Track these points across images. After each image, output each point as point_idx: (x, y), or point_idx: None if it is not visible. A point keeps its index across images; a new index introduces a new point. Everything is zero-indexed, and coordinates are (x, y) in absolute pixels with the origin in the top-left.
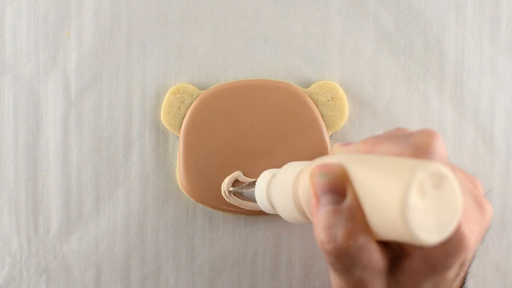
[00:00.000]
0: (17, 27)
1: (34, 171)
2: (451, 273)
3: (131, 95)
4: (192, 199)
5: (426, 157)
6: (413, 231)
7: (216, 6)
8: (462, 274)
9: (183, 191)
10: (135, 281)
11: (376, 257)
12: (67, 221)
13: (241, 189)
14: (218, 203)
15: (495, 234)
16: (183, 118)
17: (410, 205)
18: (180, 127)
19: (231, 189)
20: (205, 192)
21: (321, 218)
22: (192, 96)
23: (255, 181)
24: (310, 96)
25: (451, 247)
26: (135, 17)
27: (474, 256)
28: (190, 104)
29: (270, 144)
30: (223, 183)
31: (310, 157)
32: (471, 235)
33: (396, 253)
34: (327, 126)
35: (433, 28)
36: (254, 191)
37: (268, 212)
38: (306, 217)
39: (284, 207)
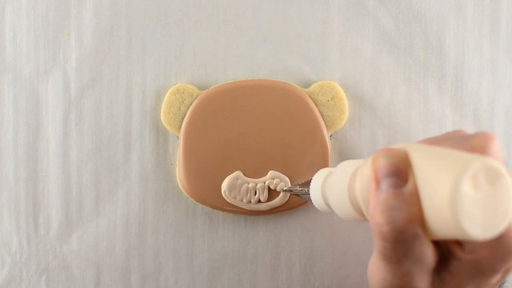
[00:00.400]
0: (17, 27)
1: (34, 171)
2: (495, 279)
3: (131, 95)
4: (192, 199)
5: None
6: (460, 220)
7: (216, 6)
8: (502, 280)
9: (183, 191)
10: (135, 281)
11: (428, 252)
12: (67, 221)
13: (295, 187)
14: (218, 203)
15: None
16: (183, 118)
17: (460, 191)
18: (180, 127)
19: (284, 188)
20: (205, 192)
21: (380, 200)
22: (192, 96)
23: (310, 180)
24: (310, 96)
25: (503, 252)
26: (135, 17)
27: None
28: (190, 104)
29: (270, 144)
30: (223, 183)
31: (310, 157)
32: None
33: (445, 253)
34: (327, 126)
35: (433, 28)
36: (308, 189)
37: (321, 210)
38: (361, 213)
39: (339, 203)
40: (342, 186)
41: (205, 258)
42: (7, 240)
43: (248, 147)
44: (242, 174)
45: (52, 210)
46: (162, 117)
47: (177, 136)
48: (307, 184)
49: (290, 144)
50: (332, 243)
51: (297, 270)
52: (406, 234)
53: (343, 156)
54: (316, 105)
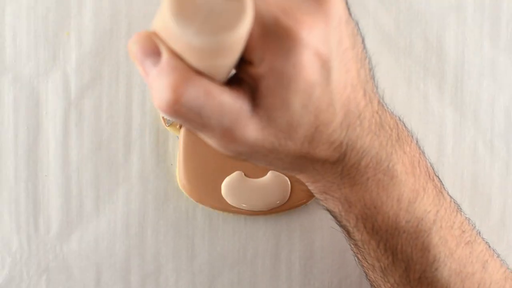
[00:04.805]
0: (17, 27)
1: (34, 171)
2: (309, 74)
3: (131, 95)
4: (192, 199)
5: None
6: (175, 21)
7: None
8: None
9: (183, 191)
10: (135, 281)
11: (227, 100)
12: (67, 221)
13: None
14: (218, 203)
15: (495, 234)
16: None
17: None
18: (180, 127)
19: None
20: (205, 192)
21: (151, 85)
22: None
23: None
24: None
25: (279, 44)
26: (135, 17)
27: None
28: None
29: None
30: (223, 183)
31: None
32: (301, 26)
33: (252, 86)
34: None
35: (433, 28)
36: None
37: None
38: None
39: None
40: None
41: (205, 258)
42: (7, 240)
43: None
44: (242, 174)
45: (52, 210)
46: (162, 117)
47: (177, 136)
48: None
49: None
50: (332, 243)
51: (297, 270)
52: (181, 101)
53: None
54: None
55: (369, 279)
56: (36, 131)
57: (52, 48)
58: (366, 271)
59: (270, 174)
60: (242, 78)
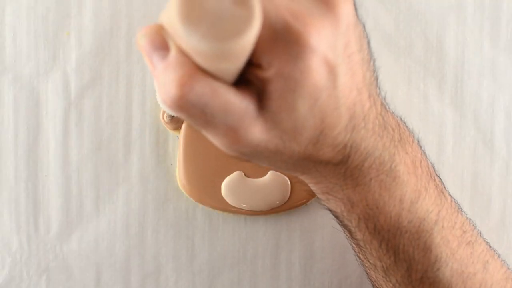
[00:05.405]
0: (17, 27)
1: (34, 171)
2: (317, 79)
3: (131, 95)
4: (192, 199)
5: None
6: (182, 24)
7: None
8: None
9: (183, 191)
10: (135, 281)
11: (233, 99)
12: (67, 221)
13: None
14: (218, 203)
15: (495, 234)
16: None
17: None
18: (180, 127)
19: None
20: (205, 192)
21: (157, 78)
22: None
23: None
24: None
25: (287, 49)
26: (135, 17)
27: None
28: None
29: None
30: (223, 183)
31: None
32: (310, 31)
33: (259, 89)
34: None
35: (433, 28)
36: None
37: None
38: None
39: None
40: None
41: (205, 258)
42: (7, 240)
43: None
44: (242, 174)
45: (52, 210)
46: (162, 117)
47: (177, 136)
48: None
49: None
50: (332, 243)
51: (297, 270)
52: (186, 97)
53: None
54: None
55: (370, 279)
56: (36, 131)
57: (52, 48)
58: (368, 271)
59: (270, 174)
60: (249, 79)
